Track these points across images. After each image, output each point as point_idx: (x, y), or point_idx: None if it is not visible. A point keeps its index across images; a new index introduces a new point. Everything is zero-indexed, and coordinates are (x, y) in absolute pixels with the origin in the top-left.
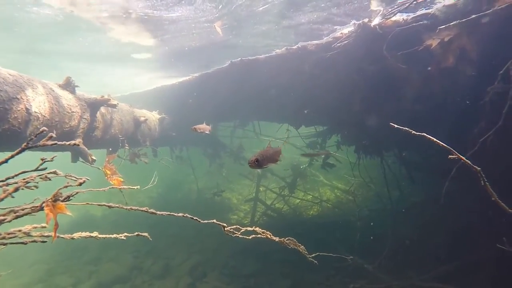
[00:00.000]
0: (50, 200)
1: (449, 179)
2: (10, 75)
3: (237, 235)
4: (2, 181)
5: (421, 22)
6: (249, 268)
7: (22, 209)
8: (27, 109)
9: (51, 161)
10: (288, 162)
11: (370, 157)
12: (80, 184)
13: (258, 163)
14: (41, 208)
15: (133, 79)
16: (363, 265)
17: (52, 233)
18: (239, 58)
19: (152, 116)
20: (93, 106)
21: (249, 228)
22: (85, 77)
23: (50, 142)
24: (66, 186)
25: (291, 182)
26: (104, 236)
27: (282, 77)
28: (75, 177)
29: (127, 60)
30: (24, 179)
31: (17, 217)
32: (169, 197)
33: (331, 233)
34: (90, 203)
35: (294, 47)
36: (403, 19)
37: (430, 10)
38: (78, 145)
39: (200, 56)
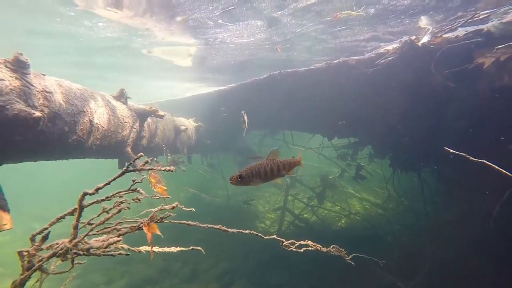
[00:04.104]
0: (147, 221)
1: (501, 203)
2: (78, 89)
3: (292, 248)
4: (103, 200)
5: (474, 40)
6: (276, 278)
7: (124, 228)
8: (90, 121)
9: (141, 182)
10: (317, 171)
11: (406, 172)
12: (173, 207)
13: (241, 180)
14: (139, 228)
15: (172, 87)
16: (395, 283)
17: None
18: (278, 71)
19: (190, 124)
20: (142, 116)
21: (302, 242)
22: (128, 84)
23: (147, 167)
24: (160, 209)
25: (320, 193)
26: (164, 250)
27: (320, 90)
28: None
29: (170, 71)
30: (120, 201)
31: (119, 235)
32: (197, 202)
33: (360, 247)
34: (182, 222)
35: (334, 62)
36: (455, 35)
37: (485, 26)
38: (172, 171)
39: (241, 68)
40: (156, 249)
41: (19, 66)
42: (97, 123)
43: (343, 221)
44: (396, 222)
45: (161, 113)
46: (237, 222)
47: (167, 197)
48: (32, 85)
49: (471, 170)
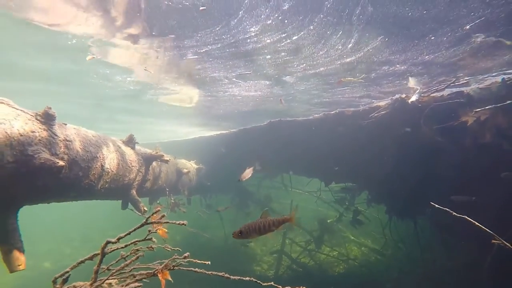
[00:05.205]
0: (162, 268)
1: (490, 259)
2: (93, 136)
3: None
4: (123, 247)
5: (457, 100)
6: None
7: (140, 274)
8: (102, 166)
9: (156, 232)
10: (315, 215)
11: (402, 219)
12: (185, 257)
13: (241, 235)
14: (154, 274)
15: (176, 129)
16: None
17: None
18: (278, 119)
19: (191, 167)
20: (148, 160)
21: None
22: (133, 126)
23: (163, 220)
24: (174, 259)
25: (317, 237)
26: None
27: (317, 137)
28: (170, 248)
29: (175, 117)
30: (136, 249)
31: (136, 280)
32: (193, 241)
33: None
34: (190, 269)
35: (332, 112)
36: (441, 95)
37: (465, 89)
38: (185, 224)
39: (244, 115)
40: None
41: (47, 119)
42: (107, 168)
43: (341, 267)
44: (395, 269)
45: (166, 158)
46: (234, 264)
47: (176, 249)
48: (56, 135)
49: (461, 219)
